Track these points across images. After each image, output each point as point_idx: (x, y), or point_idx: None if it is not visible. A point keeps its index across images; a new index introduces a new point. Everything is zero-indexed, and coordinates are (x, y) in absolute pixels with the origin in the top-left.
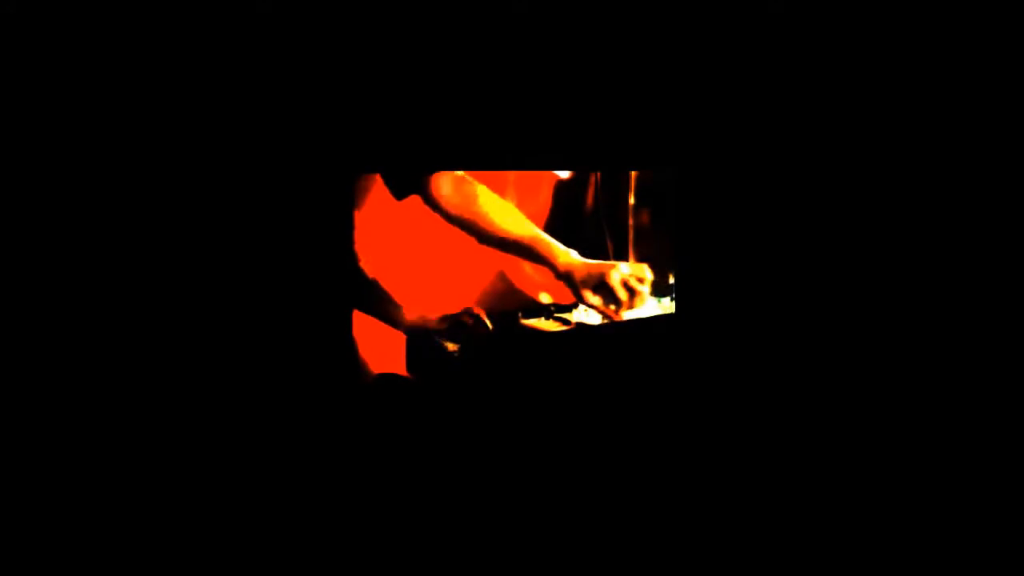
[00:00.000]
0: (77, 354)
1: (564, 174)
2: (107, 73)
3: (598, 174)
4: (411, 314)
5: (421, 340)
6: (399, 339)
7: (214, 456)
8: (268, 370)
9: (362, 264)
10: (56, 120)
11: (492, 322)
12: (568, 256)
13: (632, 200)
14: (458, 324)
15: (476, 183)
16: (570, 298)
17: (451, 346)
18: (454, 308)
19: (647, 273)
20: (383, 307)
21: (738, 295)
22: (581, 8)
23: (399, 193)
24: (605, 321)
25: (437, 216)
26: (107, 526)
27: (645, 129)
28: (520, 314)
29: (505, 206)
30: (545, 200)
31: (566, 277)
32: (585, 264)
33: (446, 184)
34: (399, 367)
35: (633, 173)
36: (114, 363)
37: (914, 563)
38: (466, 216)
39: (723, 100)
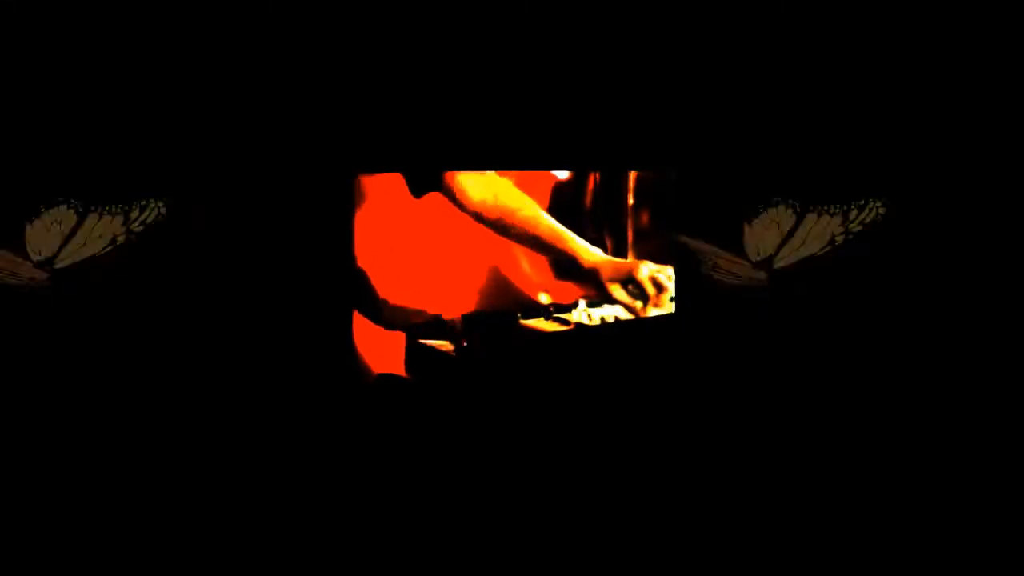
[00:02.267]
0: (81, 356)
1: (563, 174)
2: (109, 73)
3: (597, 174)
4: (394, 311)
5: (411, 338)
6: (399, 339)
7: (217, 454)
8: (270, 370)
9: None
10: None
11: (464, 334)
12: (592, 253)
13: (632, 200)
14: (440, 329)
15: (499, 178)
16: (569, 298)
17: (446, 346)
18: (440, 309)
19: (672, 272)
20: (370, 304)
21: (737, 295)
22: (581, 10)
23: (417, 191)
24: (631, 316)
25: (434, 216)
26: (112, 525)
27: (645, 129)
28: (519, 314)
29: (527, 201)
30: (543, 200)
31: (592, 273)
32: (612, 261)
33: (467, 179)
34: (399, 367)
35: (633, 173)
36: (116, 365)
37: (909, 562)
38: (489, 212)
39: (723, 102)
